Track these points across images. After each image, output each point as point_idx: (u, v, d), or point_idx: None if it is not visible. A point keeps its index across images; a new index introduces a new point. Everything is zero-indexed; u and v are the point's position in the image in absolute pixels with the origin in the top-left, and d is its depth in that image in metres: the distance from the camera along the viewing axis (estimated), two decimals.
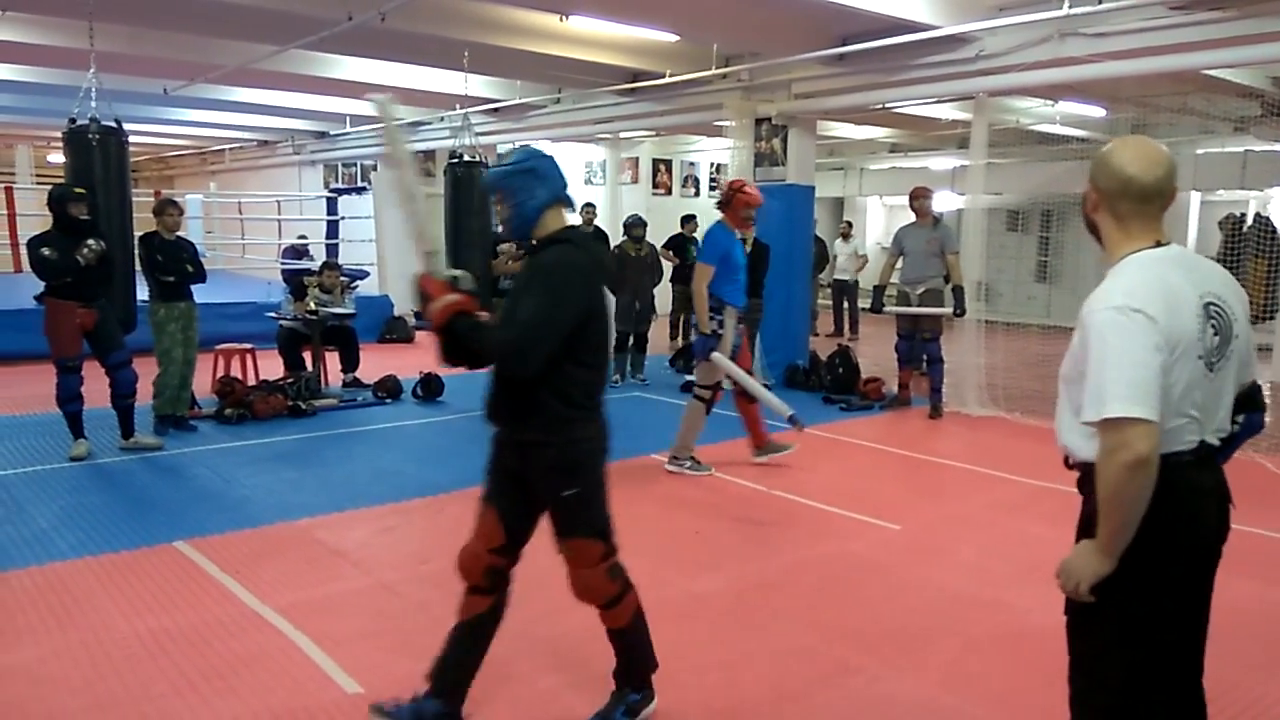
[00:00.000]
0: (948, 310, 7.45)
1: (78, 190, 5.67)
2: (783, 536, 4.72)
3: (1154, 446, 1.75)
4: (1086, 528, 1.93)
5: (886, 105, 8.95)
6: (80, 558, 4.17)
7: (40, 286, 5.86)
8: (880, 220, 19.02)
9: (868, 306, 7.92)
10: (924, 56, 7.54)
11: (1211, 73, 7.40)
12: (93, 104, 6.21)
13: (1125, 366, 1.76)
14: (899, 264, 7.70)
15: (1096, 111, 10.32)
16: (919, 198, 7.64)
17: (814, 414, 7.73)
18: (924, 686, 3.18)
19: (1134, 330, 1.77)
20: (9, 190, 13.71)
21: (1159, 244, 1.91)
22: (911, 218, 7.76)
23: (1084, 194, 2.00)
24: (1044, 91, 9.10)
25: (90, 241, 5.58)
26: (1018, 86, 7.60)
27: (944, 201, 9.60)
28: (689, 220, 10.81)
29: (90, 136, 6.04)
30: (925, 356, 7.77)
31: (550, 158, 2.68)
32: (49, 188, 5.98)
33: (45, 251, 5.59)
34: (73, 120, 6.16)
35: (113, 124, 6.19)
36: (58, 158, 18.23)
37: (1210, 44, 6.20)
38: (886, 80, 8.06)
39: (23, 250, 12.87)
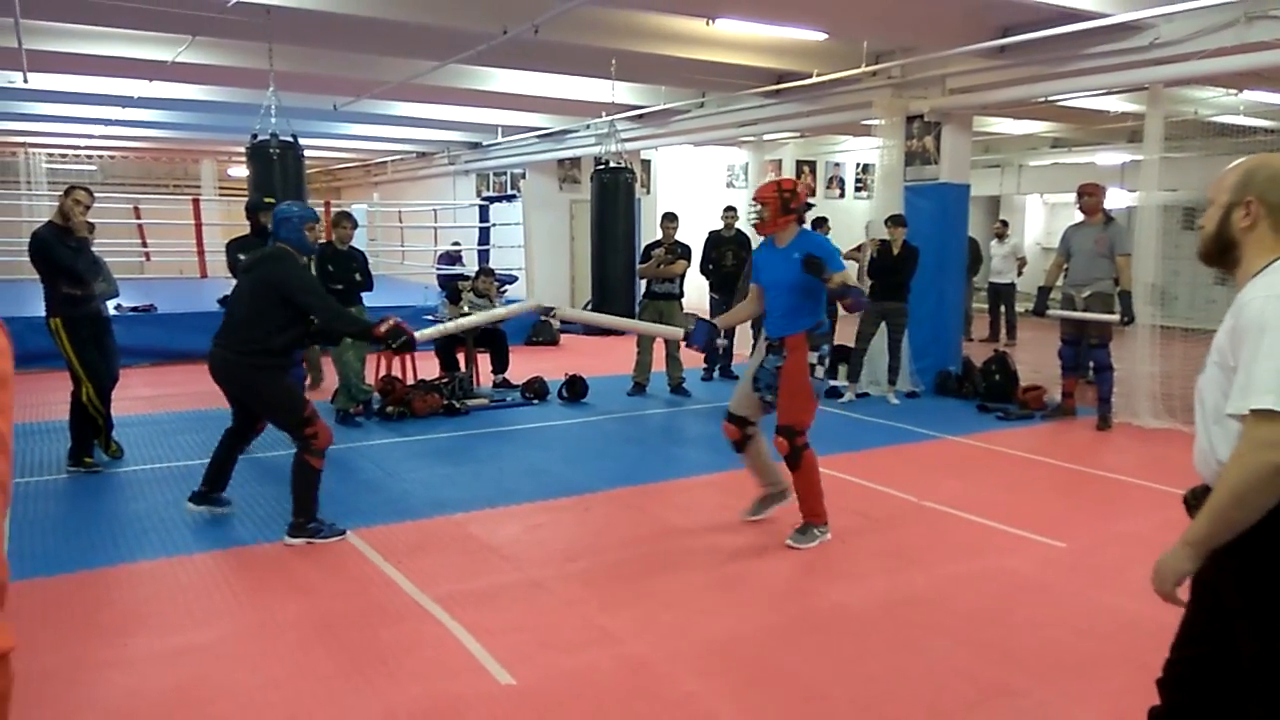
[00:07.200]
0: (1115, 317, 7.00)
1: (268, 200, 6.09)
2: (935, 550, 4.54)
3: None
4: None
5: (1050, 99, 8.50)
6: (258, 544, 4.48)
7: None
8: (1040, 219, 18.08)
9: (1025, 310, 7.54)
10: (1093, 46, 7.10)
11: None
12: (272, 120, 6.66)
13: None
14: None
15: None
16: (1087, 194, 7.19)
17: (968, 422, 7.44)
18: (1092, 715, 2.99)
19: None
20: (195, 202, 14.88)
21: None
22: (1077, 216, 7.33)
23: (1224, 208, 1.89)
24: (1227, 80, 8.42)
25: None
26: (1198, 75, 7.03)
27: (1114, 199, 9.03)
28: (820, 223, 10.63)
29: (271, 151, 6.49)
30: (1092, 363, 7.33)
31: None
32: (230, 199, 6.48)
33: (242, 256, 6.04)
34: (254, 135, 6.63)
35: (290, 139, 6.62)
36: (238, 171, 19.71)
37: None
38: (1051, 72, 7.64)
39: (208, 257, 14.00)
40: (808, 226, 4.68)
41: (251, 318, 4.35)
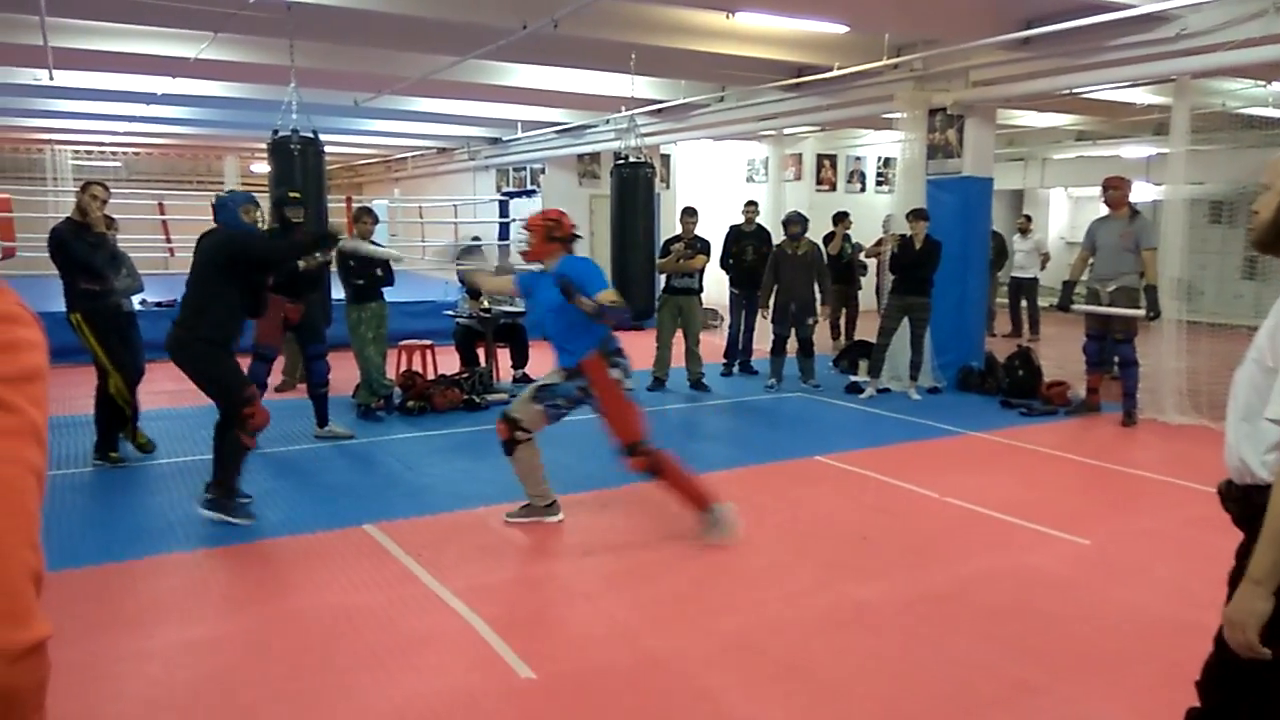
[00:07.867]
0: (1140, 312, 6.92)
1: (293, 195, 6.10)
2: (957, 546, 4.51)
3: None
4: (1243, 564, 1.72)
5: (1075, 91, 8.41)
6: (280, 537, 4.52)
7: None
8: (1064, 213, 17.90)
9: (1049, 305, 7.46)
10: (1118, 37, 7.02)
11: None
12: (293, 116, 6.68)
13: None
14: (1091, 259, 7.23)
15: None
16: (1113, 188, 7.12)
17: (990, 418, 7.39)
18: (1115, 713, 2.96)
19: None
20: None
21: None
22: (1102, 210, 7.25)
23: None
24: (1255, 71, 8.30)
25: (318, 254, 6.00)
26: (1225, 67, 6.94)
27: (1140, 192, 8.92)
28: (842, 217, 10.66)
29: (292, 147, 6.51)
30: (1117, 359, 7.25)
31: None
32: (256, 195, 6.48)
33: None
34: (276, 132, 6.66)
35: (311, 134, 6.65)
36: (260, 167, 19.85)
37: None
38: (1075, 64, 7.55)
39: None
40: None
41: (196, 296, 4.62)
